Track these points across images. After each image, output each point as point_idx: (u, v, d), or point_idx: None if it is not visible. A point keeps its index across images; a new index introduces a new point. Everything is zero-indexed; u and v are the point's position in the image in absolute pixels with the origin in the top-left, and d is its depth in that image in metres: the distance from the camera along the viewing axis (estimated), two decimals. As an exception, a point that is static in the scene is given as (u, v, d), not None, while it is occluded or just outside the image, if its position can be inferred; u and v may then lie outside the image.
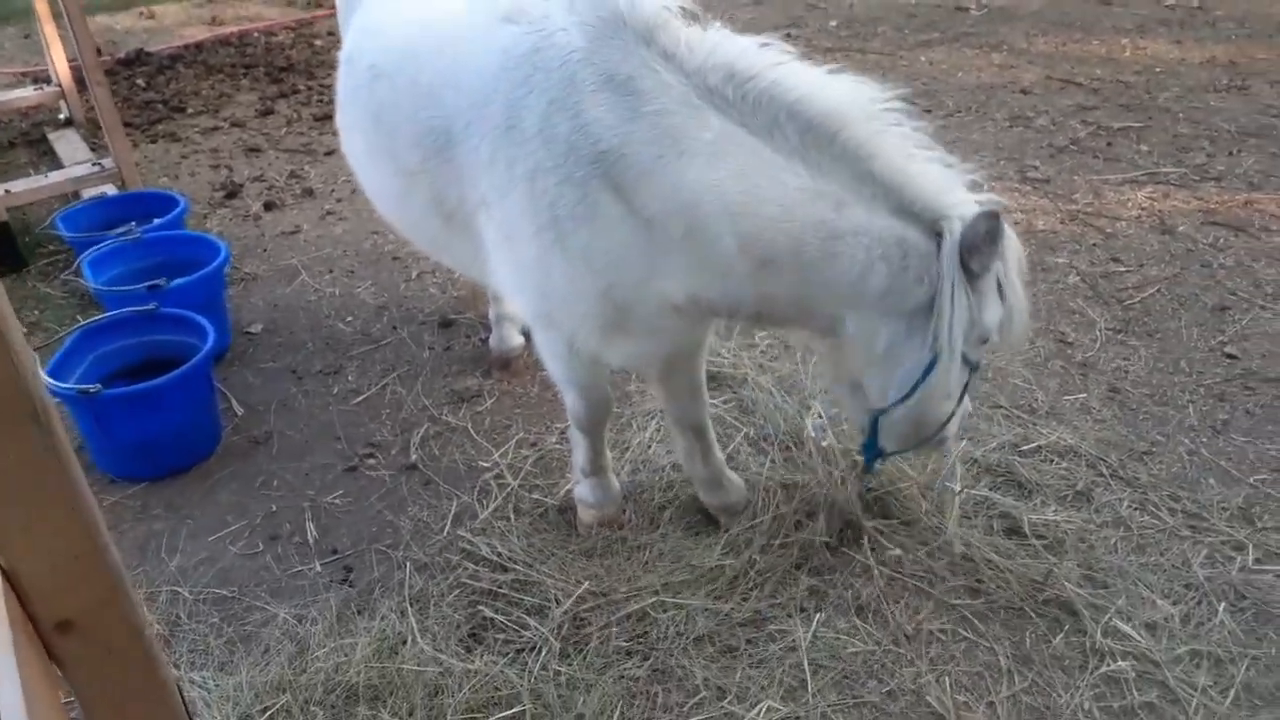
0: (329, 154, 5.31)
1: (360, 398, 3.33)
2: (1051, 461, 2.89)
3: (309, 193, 4.87)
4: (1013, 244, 1.99)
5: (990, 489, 2.77)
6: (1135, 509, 2.71)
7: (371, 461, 3.04)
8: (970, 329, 1.97)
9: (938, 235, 1.89)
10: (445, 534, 2.72)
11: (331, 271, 4.15)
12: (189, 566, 2.67)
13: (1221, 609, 2.38)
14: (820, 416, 2.87)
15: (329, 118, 5.81)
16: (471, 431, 3.14)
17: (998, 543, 2.59)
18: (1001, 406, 3.11)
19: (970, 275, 1.91)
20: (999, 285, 1.98)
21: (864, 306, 1.96)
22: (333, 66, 6.80)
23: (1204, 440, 2.97)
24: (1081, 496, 2.77)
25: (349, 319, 3.80)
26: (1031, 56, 6.18)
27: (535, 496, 2.83)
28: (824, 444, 2.76)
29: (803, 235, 1.87)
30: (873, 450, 2.25)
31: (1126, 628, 2.33)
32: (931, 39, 6.64)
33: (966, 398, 2.19)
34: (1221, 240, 4.00)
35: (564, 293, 2.03)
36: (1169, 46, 6.16)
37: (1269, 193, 4.34)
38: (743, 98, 1.86)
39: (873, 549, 2.55)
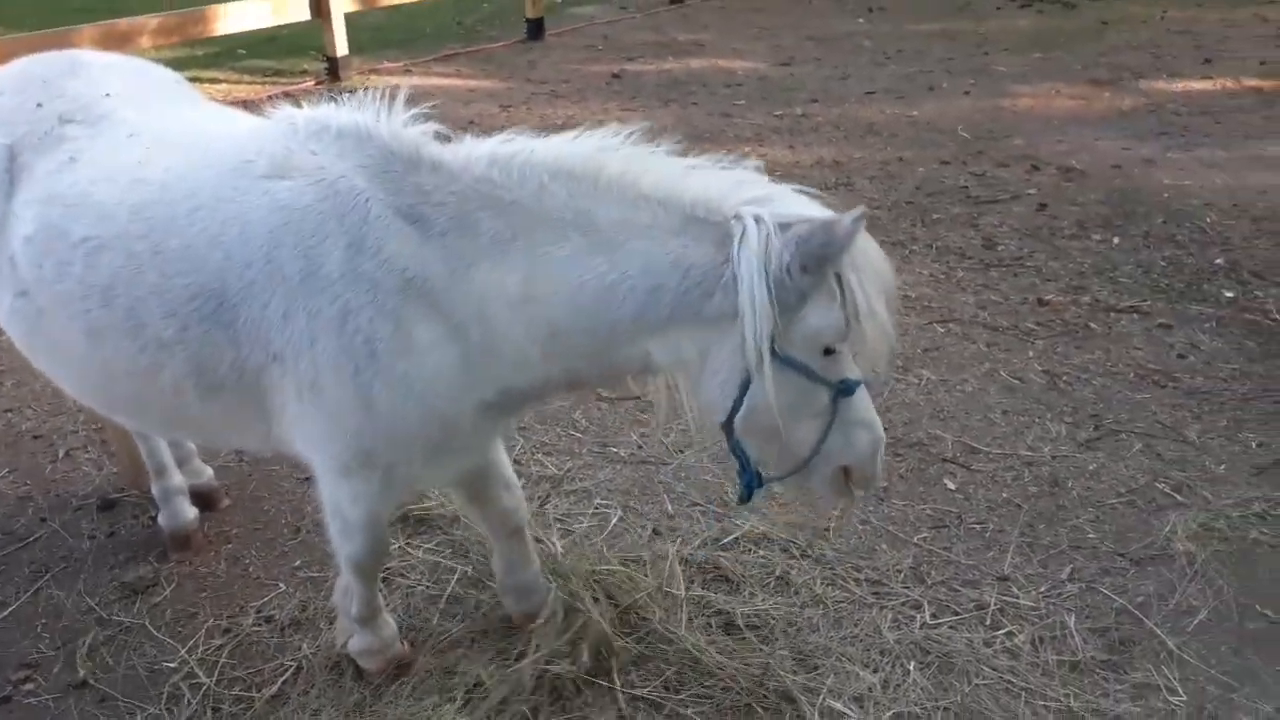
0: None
1: (7, 611, 2.88)
2: (750, 551, 3.08)
3: (-86, 373, 4.21)
4: (862, 248, 1.93)
5: (703, 587, 2.90)
6: (828, 585, 2.95)
7: (29, 686, 2.63)
8: (789, 335, 1.91)
9: (729, 238, 1.88)
10: (133, 757, 2.39)
11: (-47, 464, 3.59)
12: None
13: (912, 668, 2.64)
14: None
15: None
16: (150, 628, 2.82)
17: (719, 640, 2.70)
18: (698, 504, 3.28)
19: (791, 276, 1.85)
20: (841, 290, 1.91)
21: (662, 332, 1.98)
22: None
23: (872, 509, 3.30)
24: (781, 581, 2.97)
25: (-18, 518, 3.30)
26: (673, 167, 6.74)
27: (237, 692, 2.57)
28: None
29: (577, 299, 1.97)
30: (748, 476, 2.13)
31: (839, 705, 2.50)
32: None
33: (865, 424, 2.05)
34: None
35: (389, 426, 2.07)
36: (784, 151, 6.97)
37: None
38: (509, 179, 2.01)
39: (620, 673, 2.57)
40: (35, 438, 3.76)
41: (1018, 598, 2.89)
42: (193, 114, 2.56)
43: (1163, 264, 4.99)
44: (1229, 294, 4.64)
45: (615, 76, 9.28)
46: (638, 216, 1.95)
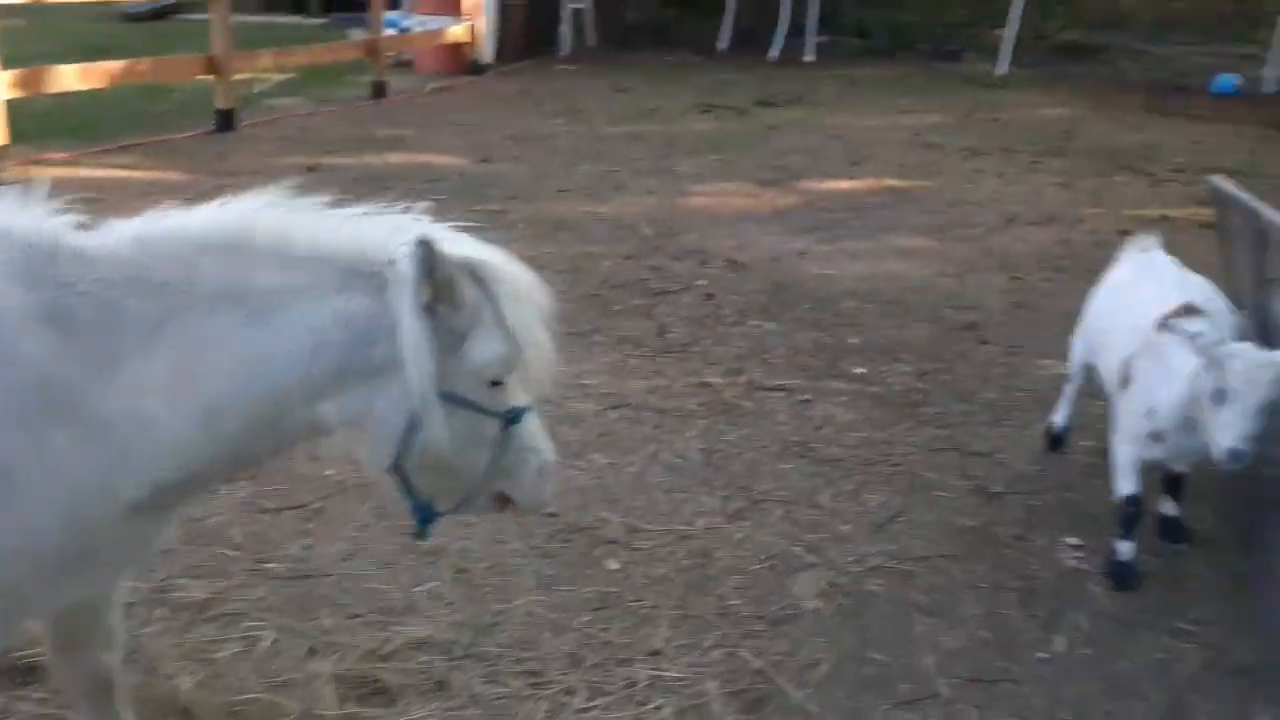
0: None
1: None
2: (411, 659, 3.07)
3: None
4: (515, 277, 2.02)
5: (359, 703, 2.85)
6: (487, 683, 2.99)
7: None
8: (454, 369, 1.94)
9: (387, 285, 1.88)
10: None
11: None
12: None
13: (563, 752, 2.73)
14: None
15: None
16: None
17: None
18: (359, 614, 3.23)
19: (436, 313, 1.89)
20: (499, 321, 1.97)
21: (332, 392, 1.94)
22: None
23: (538, 598, 3.40)
24: (441, 686, 2.97)
25: None
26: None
27: None
28: None
29: (237, 376, 1.88)
30: (421, 510, 2.11)
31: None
32: None
33: (533, 450, 2.11)
34: (533, 414, 4.70)
35: (17, 546, 1.84)
36: (477, 246, 7.15)
37: (565, 366, 5.18)
38: (155, 255, 1.90)
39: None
40: None
41: (666, 670, 3.07)
42: None
43: (807, 345, 5.57)
44: (859, 370, 5.25)
45: (310, 169, 9.15)
46: (295, 279, 1.91)
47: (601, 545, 3.72)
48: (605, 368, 5.24)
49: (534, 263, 6.62)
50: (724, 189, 8.99)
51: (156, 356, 1.89)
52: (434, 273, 1.87)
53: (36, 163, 8.76)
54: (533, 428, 2.12)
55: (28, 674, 2.89)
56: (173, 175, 8.78)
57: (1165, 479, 3.65)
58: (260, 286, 1.92)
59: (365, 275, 1.93)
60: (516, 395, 2.08)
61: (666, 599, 3.43)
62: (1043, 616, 3.35)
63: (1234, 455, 2.92)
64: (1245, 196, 5.07)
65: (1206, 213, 6.59)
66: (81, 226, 1.98)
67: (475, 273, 1.95)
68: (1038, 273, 6.79)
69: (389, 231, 1.96)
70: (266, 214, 1.97)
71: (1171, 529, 3.69)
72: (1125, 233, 7.55)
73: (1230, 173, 5.85)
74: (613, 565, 3.60)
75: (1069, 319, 5.88)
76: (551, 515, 3.87)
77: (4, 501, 1.86)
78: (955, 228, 7.86)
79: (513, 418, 2.06)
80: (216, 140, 10.19)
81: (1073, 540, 3.71)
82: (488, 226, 7.24)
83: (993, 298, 6.33)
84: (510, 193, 8.70)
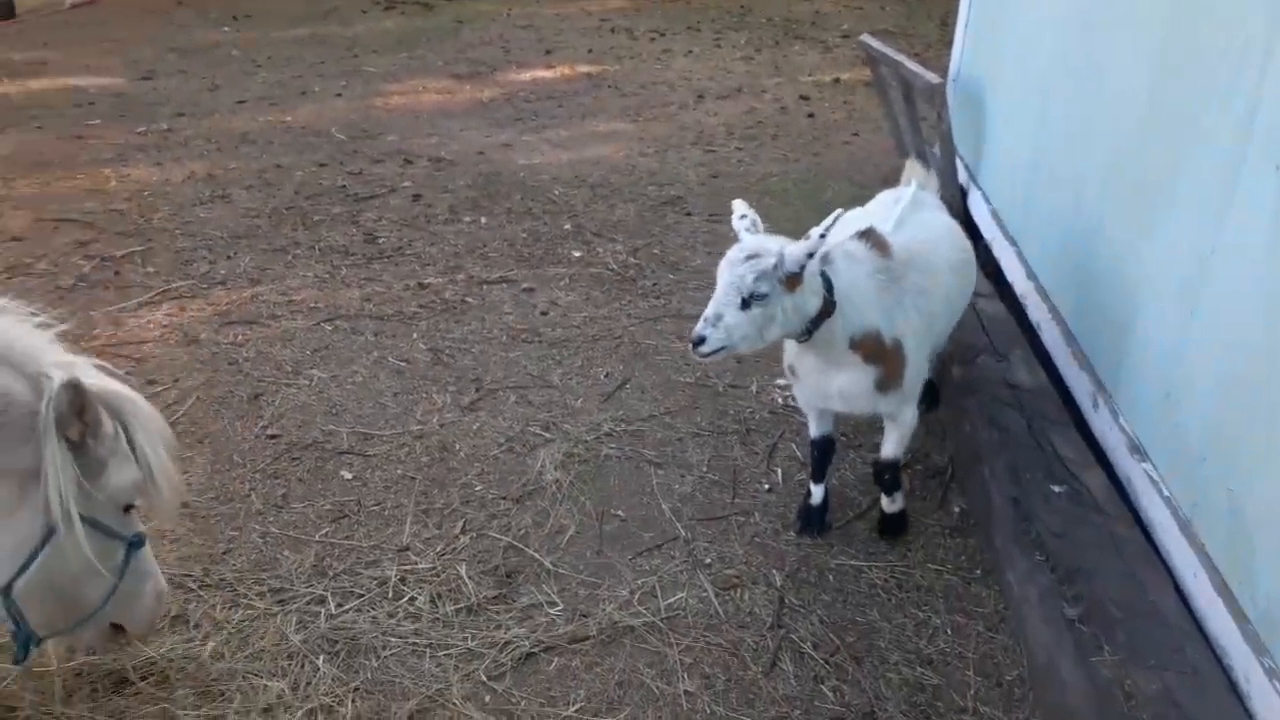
0: None
1: None
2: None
3: None
4: (131, 405, 2.13)
5: (86, 657, 2.64)
6: (229, 607, 2.86)
7: None
8: (94, 492, 2.02)
9: (41, 394, 1.92)
10: None
11: None
12: None
13: (321, 662, 2.67)
14: None
15: None
16: None
17: (110, 704, 2.49)
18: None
19: (73, 443, 1.97)
20: (133, 450, 2.09)
21: None
22: None
23: (271, 519, 3.26)
24: (180, 620, 2.81)
25: None
26: (15, 201, 5.91)
27: None
28: None
29: None
30: (23, 634, 2.11)
31: (244, 722, 2.46)
32: (-112, 200, 5.88)
33: (151, 576, 2.28)
34: (240, 336, 4.41)
35: None
36: (151, 170, 6.49)
37: (268, 284, 4.91)
38: None
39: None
40: None
41: (416, 563, 3.07)
42: None
43: (524, 236, 5.57)
44: (577, 253, 5.34)
45: (-70, 105, 7.87)
46: None
47: (334, 457, 3.60)
48: (312, 281, 4.98)
49: (216, 181, 6.20)
50: (419, 86, 8.66)
51: None
52: (83, 413, 1.96)
53: None
54: (149, 554, 2.29)
55: None
56: None
57: (875, 468, 3.18)
58: None
59: (21, 369, 1.94)
60: (138, 521, 2.22)
61: (408, 497, 3.39)
62: (762, 453, 3.64)
63: (692, 340, 2.53)
64: (890, 51, 5.56)
65: (869, 73, 7.16)
66: None
67: (110, 405, 2.05)
68: (730, 144, 7.11)
69: (46, 342, 2.03)
70: None
71: (891, 524, 3.21)
72: (805, 98, 8.12)
73: (887, 34, 6.39)
74: (347, 475, 3.51)
75: (762, 184, 6.30)
76: (273, 437, 3.71)
77: None
78: (651, 108, 8.05)
79: (137, 542, 2.21)
80: None
81: (781, 381, 4.02)
82: (159, 146, 6.62)
83: (691, 171, 6.58)
84: (179, 109, 7.93)
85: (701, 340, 2.52)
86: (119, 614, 2.27)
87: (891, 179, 5.03)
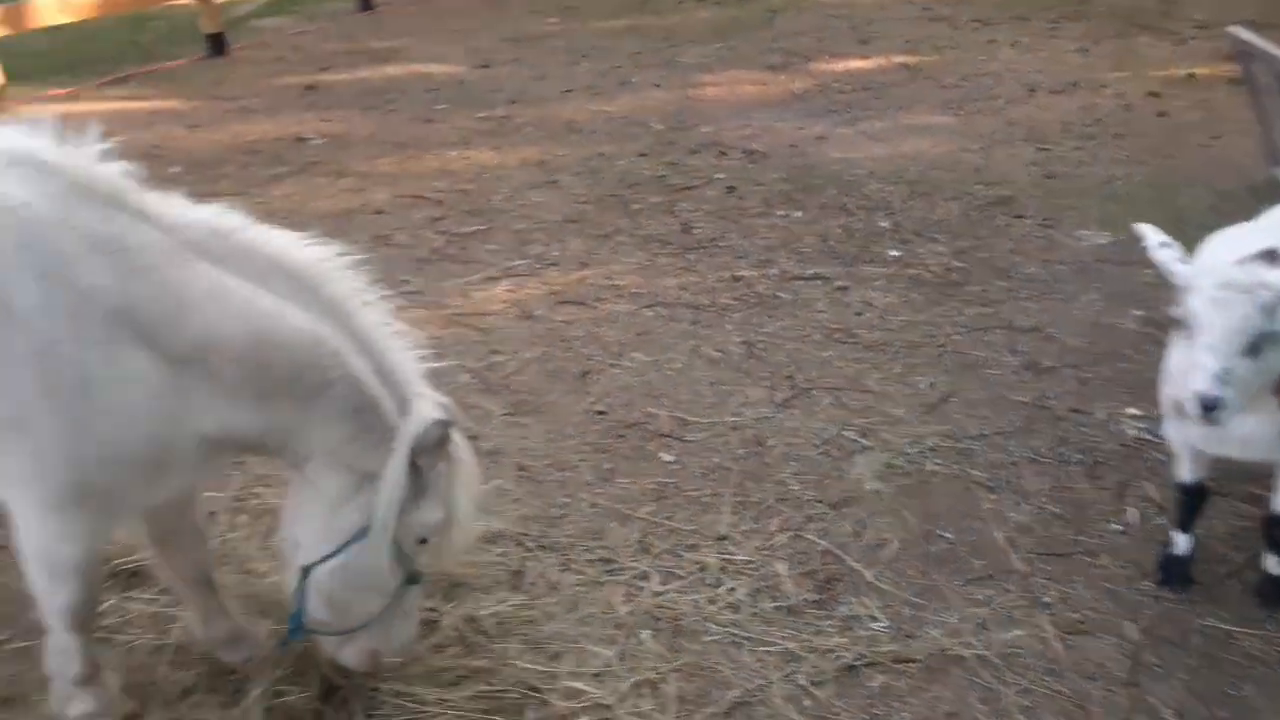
0: None
1: None
2: (487, 551, 3.12)
3: None
4: (465, 458, 2.30)
5: (442, 599, 2.90)
6: (563, 570, 3.05)
7: None
8: (406, 515, 2.19)
9: (403, 413, 2.14)
10: None
11: None
12: None
13: (645, 636, 2.79)
14: None
15: None
16: None
17: (456, 647, 2.73)
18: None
19: (415, 469, 2.15)
20: (443, 491, 2.25)
21: (331, 451, 2.16)
22: None
23: (600, 491, 3.44)
24: (517, 575, 3.04)
25: None
26: (376, 178, 6.61)
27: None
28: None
29: (298, 373, 2.07)
30: (297, 619, 2.35)
31: (579, 685, 2.60)
32: (280, 172, 6.76)
33: (411, 619, 2.42)
34: (570, 316, 4.68)
35: (108, 452, 2.01)
36: (490, 154, 7.02)
37: (595, 268, 5.17)
38: (230, 251, 2.07)
39: (353, 699, 2.53)
40: None
41: (735, 554, 3.12)
42: None
43: (838, 231, 5.50)
44: (894, 253, 5.19)
45: (309, 88, 8.96)
46: (351, 343, 2.13)
47: (655, 439, 3.74)
48: (634, 268, 5.19)
49: (547, 167, 6.57)
50: (733, 77, 8.77)
51: (230, 320, 2.04)
52: (442, 450, 2.18)
53: (37, 100, 8.57)
54: (416, 597, 2.43)
55: (135, 578, 2.98)
56: (172, 104, 8.60)
57: (1266, 524, 2.79)
58: (326, 325, 2.12)
59: (392, 385, 2.16)
60: (423, 561, 2.37)
61: (725, 486, 3.46)
62: (1112, 488, 3.35)
63: (1203, 403, 2.16)
64: (1266, 45, 4.94)
65: (1233, 68, 6.43)
66: (132, 174, 2.09)
67: (437, 437, 2.17)
68: (1065, 142, 6.63)
69: (415, 366, 2.23)
70: (332, 272, 2.15)
71: (1276, 589, 2.81)
72: (1154, 95, 7.43)
73: (1253, 25, 5.69)
74: (667, 457, 3.63)
75: (1105, 188, 5.83)
76: (600, 413, 3.90)
77: (83, 416, 1.97)
78: (973, 101, 7.67)
79: (414, 579, 2.34)
80: (210, 66, 9.92)
81: (1133, 411, 3.70)
82: (496, 132, 7.10)
83: (1021, 170, 6.21)
84: (512, 96, 8.51)
85: (1215, 404, 2.15)
86: (378, 637, 2.38)
87: (1264, 191, 4.49)
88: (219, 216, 2.13)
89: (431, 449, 2.16)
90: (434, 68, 9.61)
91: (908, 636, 2.80)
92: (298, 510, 2.30)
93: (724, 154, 6.83)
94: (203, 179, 6.69)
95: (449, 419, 2.18)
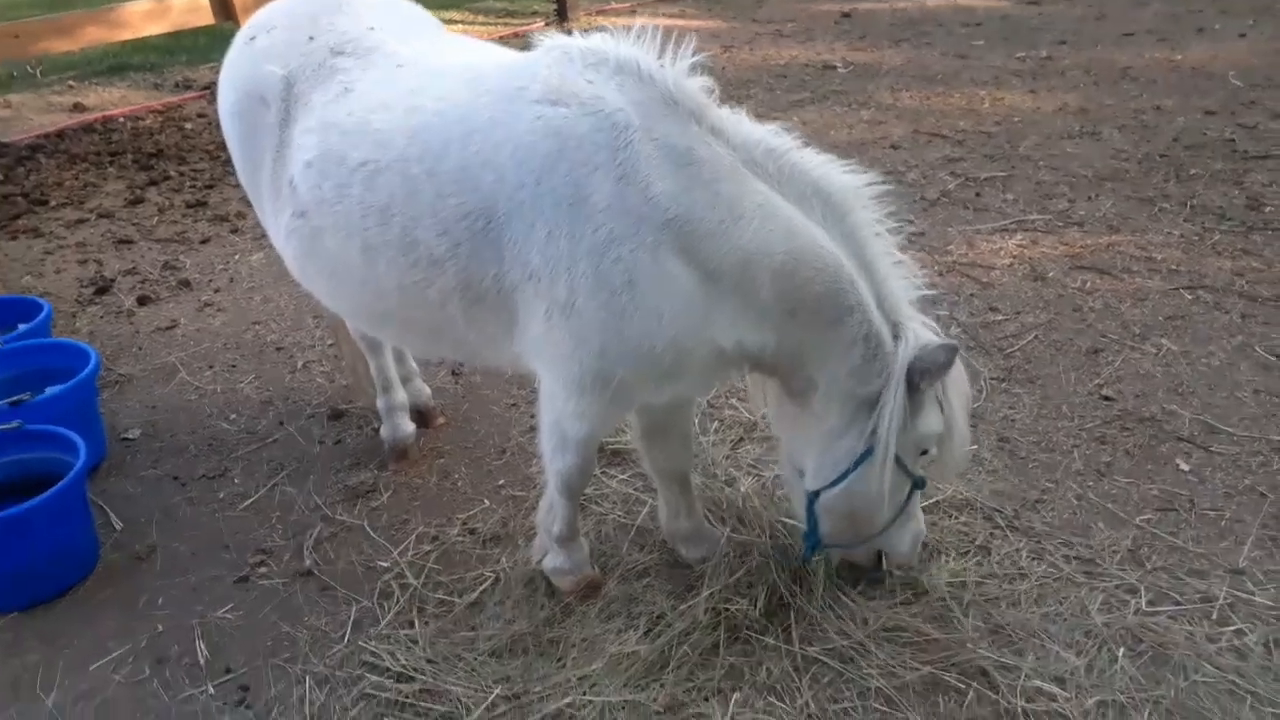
0: (204, 242, 5.14)
1: (248, 501, 3.19)
2: (951, 517, 2.95)
3: (185, 284, 4.70)
4: (960, 375, 2.32)
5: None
6: (1033, 559, 2.78)
7: (263, 570, 2.90)
8: (906, 433, 2.24)
9: (895, 339, 2.19)
10: (346, 644, 2.60)
11: (212, 367, 3.99)
12: (67, 703, 2.49)
13: (1121, 654, 2.45)
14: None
15: (203, 204, 5.64)
16: (369, 529, 3.03)
17: (908, 606, 2.61)
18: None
19: (912, 388, 2.20)
20: (940, 405, 2.28)
21: (837, 379, 2.23)
22: (204, 151, 6.60)
23: (1090, 484, 3.07)
24: (982, 550, 2.82)
25: (233, 417, 3.65)
26: (898, 111, 6.44)
27: (440, 596, 2.74)
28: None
29: (831, 297, 2.15)
30: (813, 538, 2.49)
31: (1038, 684, 2.36)
32: (803, 99, 6.86)
33: (916, 518, 2.50)
34: (1089, 284, 4.20)
35: (634, 348, 2.15)
36: (1024, 97, 6.50)
37: (1127, 234, 4.58)
38: (779, 170, 2.15)
39: (797, 626, 2.55)
40: (278, 349, 4.11)
41: (1253, 594, 2.62)
42: (455, 46, 2.70)
43: None
44: None
45: (845, 15, 8.96)
46: (862, 272, 2.18)
47: (1169, 441, 3.24)
48: (1176, 240, 4.52)
49: (1088, 117, 5.92)
50: (1350, 32, 7.21)
51: (773, 241, 2.10)
52: (947, 369, 2.19)
53: (601, 13, 9.58)
54: (918, 501, 2.46)
55: (616, 457, 3.27)
56: (714, 23, 9.11)
57: None
58: (846, 253, 2.17)
59: (887, 315, 2.21)
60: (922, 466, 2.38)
61: (1253, 514, 2.91)
62: None
63: None
64: None
65: None
66: (713, 94, 2.19)
67: (942, 361, 2.17)
68: None
69: (907, 293, 2.24)
70: (865, 202, 2.18)
71: None
72: None
73: None
74: (1183, 465, 3.13)
75: None
76: (1106, 399, 3.47)
77: (622, 311, 2.11)
78: None
79: (920, 484, 2.39)
80: (756, -13, 10.35)
81: None
82: (1035, 74, 6.54)
83: None
84: (1060, 37, 7.79)
85: None
86: (889, 543, 2.50)
87: None
88: (774, 135, 2.19)
89: (936, 371, 2.17)
90: (976, 0, 9.10)
91: None
92: (802, 439, 2.38)
93: (1321, 122, 5.66)
94: (729, 99, 7.01)
95: (955, 344, 2.18)
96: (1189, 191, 4.96)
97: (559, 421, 2.38)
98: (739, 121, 2.19)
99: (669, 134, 2.10)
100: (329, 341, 4.02)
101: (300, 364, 3.99)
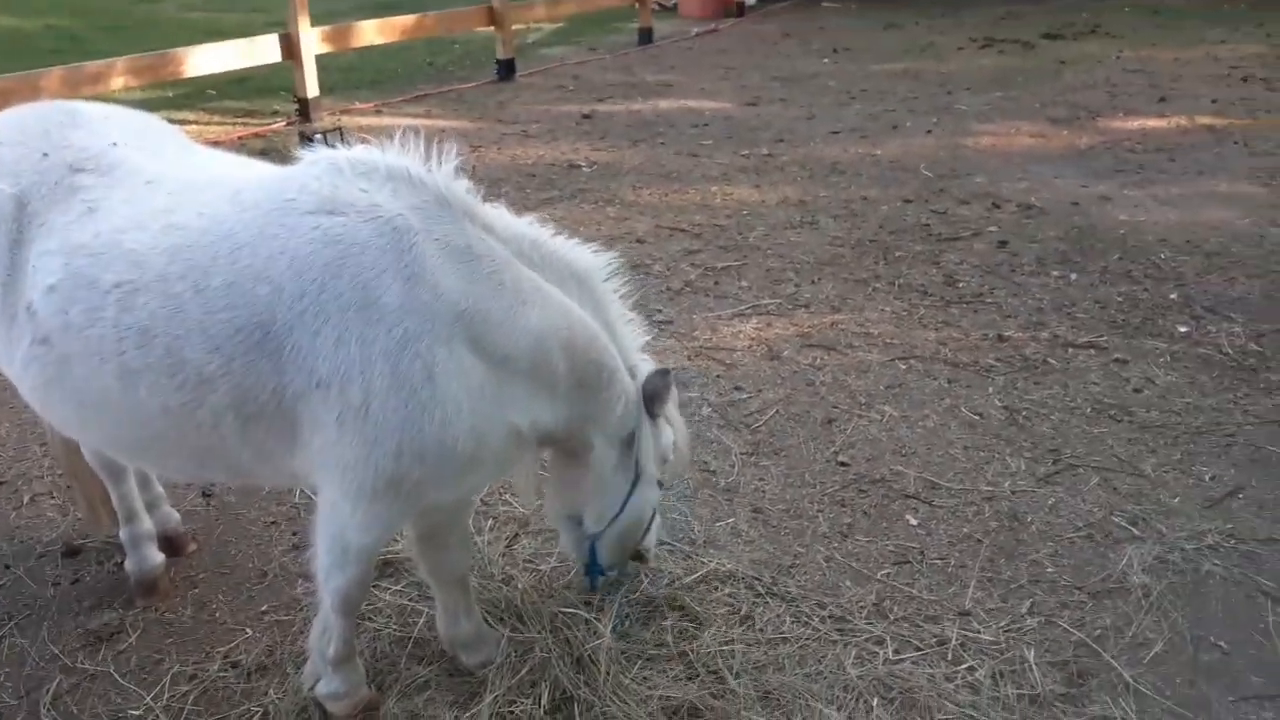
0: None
1: (-32, 661, 2.86)
2: (716, 589, 3.12)
3: (-124, 420, 4.18)
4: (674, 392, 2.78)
5: (672, 632, 2.92)
6: (794, 622, 2.99)
7: (-10, 737, 2.60)
8: (654, 451, 2.69)
9: (634, 377, 2.59)
10: (95, 808, 2.38)
11: (-85, 512, 3.56)
12: None
13: (875, 704, 2.67)
14: None
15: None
16: (116, 675, 2.80)
17: (682, 683, 2.73)
18: (666, 543, 3.31)
19: (652, 415, 2.63)
20: (670, 419, 2.74)
21: (610, 432, 2.57)
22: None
23: (835, 545, 3.35)
24: (747, 620, 3.00)
25: (-56, 566, 3.27)
26: (640, 208, 6.83)
27: (202, 740, 2.56)
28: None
29: (601, 363, 2.47)
30: (596, 571, 2.83)
31: (803, 742, 2.53)
32: (552, 196, 7.13)
33: (658, 515, 2.90)
34: (818, 360, 4.61)
35: (434, 443, 2.19)
36: (751, 191, 7.09)
37: (847, 313, 5.08)
38: (541, 258, 2.41)
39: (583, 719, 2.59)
40: (0, 483, 3.74)
41: (979, 632, 2.94)
42: (204, 158, 2.68)
43: (1119, 299, 5.12)
44: (1183, 329, 4.77)
45: (585, 117, 9.40)
46: (608, 333, 2.54)
47: (899, 499, 3.60)
48: (889, 316, 5.05)
49: (806, 208, 6.53)
50: (1012, 128, 8.40)
51: (555, 317, 2.36)
52: (669, 390, 2.64)
53: (345, 112, 9.52)
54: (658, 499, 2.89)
55: (387, 567, 3.20)
56: (461, 123, 9.27)
57: None
58: (596, 320, 2.52)
59: (625, 362, 2.60)
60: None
61: (972, 559, 3.28)
62: None
63: None
64: None
65: None
66: (478, 192, 2.39)
67: (667, 385, 2.65)
68: (1400, 223, 5.87)
69: (637, 339, 2.69)
70: (601, 273, 2.55)
71: None
72: None
73: None
74: (912, 520, 3.49)
75: None
76: (842, 464, 3.81)
77: (423, 407, 2.16)
78: (1290, 171, 6.94)
79: (662, 485, 2.83)
80: (498, 89, 10.66)
81: None
82: (758, 169, 7.16)
83: (1343, 252, 5.54)
84: (778, 135, 8.55)
85: None
86: (650, 543, 2.94)
87: None
88: (533, 227, 2.47)
89: (663, 395, 2.60)
90: (703, 103, 9.84)
91: (1170, 753, 2.53)
92: (579, 491, 2.67)
93: (997, 206, 6.54)
94: (484, 196, 7.16)
95: (664, 367, 2.69)
96: (896, 272, 5.57)
97: (342, 533, 2.33)
98: (503, 216, 2.41)
99: (448, 234, 2.24)
100: (59, 471, 3.70)
101: (27, 498, 3.64)
